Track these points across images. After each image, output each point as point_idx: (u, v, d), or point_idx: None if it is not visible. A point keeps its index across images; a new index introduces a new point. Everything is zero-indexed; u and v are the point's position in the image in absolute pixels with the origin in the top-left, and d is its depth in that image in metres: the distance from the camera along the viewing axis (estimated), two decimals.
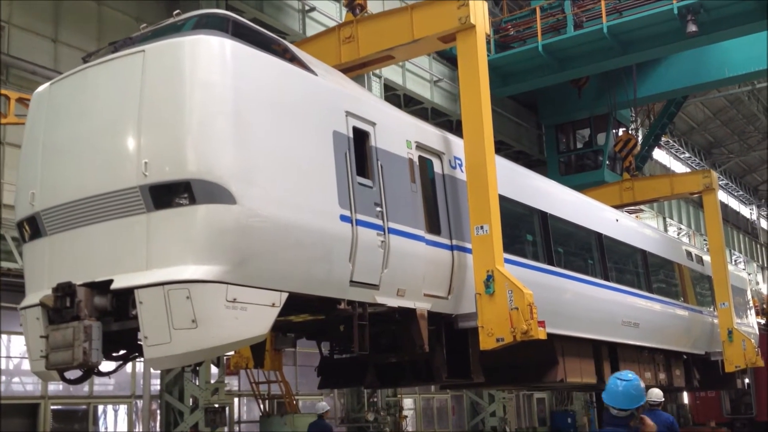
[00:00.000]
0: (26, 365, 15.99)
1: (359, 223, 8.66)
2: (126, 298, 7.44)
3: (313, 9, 20.27)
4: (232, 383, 19.47)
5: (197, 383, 16.33)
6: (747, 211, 57.65)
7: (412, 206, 9.70)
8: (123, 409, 17.43)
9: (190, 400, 16.32)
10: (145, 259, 7.32)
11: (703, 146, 47.41)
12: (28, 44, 14.89)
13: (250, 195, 7.44)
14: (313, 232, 8.09)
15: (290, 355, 20.71)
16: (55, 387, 16.36)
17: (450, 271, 10.21)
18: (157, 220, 7.35)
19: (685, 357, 18.70)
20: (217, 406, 16.45)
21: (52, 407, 15.79)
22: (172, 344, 7.15)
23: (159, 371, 16.78)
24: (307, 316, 9.50)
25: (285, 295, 7.81)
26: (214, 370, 16.80)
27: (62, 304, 7.53)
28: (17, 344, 15.95)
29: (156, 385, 16.94)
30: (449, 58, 24.16)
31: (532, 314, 9.65)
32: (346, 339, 9.70)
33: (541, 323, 9.77)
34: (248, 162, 7.55)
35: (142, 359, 7.86)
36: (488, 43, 22.30)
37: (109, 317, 7.63)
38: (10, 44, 14.72)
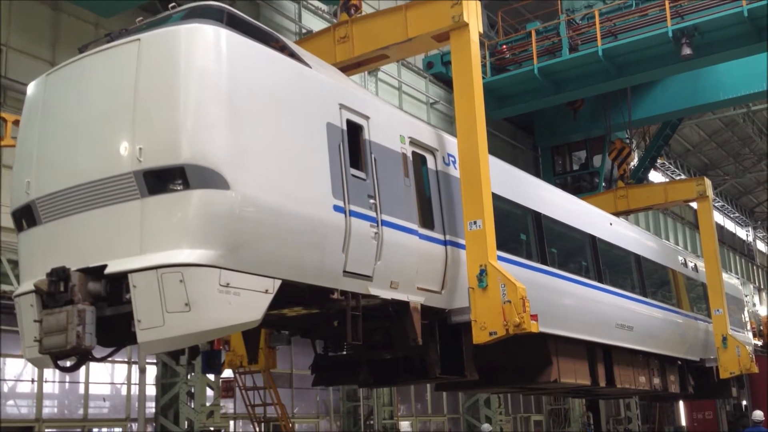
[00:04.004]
0: (22, 388, 15.95)
1: (352, 213, 8.73)
2: (120, 284, 7.48)
3: (310, 32, 20.40)
4: (228, 406, 19.37)
5: (192, 406, 16.26)
6: (743, 233, 57.71)
7: (405, 200, 9.79)
8: None
9: (186, 423, 16.24)
10: (139, 244, 7.38)
11: (698, 168, 47.53)
12: (26, 67, 14.92)
13: (244, 181, 7.52)
14: (306, 220, 8.16)
15: (286, 377, 20.66)
16: (50, 410, 16.28)
17: (443, 265, 10.28)
18: (151, 206, 7.42)
19: (679, 363, 18.73)
20: (212, 429, 16.37)
21: (46, 430, 15.68)
22: (165, 327, 7.18)
23: (154, 393, 16.73)
24: (300, 309, 9.53)
25: (278, 282, 7.85)
26: (209, 392, 16.74)
27: (56, 289, 7.54)
28: (12, 367, 15.87)
29: (151, 407, 16.86)
30: (445, 81, 24.30)
31: (525, 307, 9.72)
32: (340, 335, 9.70)
33: (534, 316, 9.85)
34: (242, 149, 7.64)
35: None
36: (484, 65, 22.51)
37: (102, 302, 7.65)
38: (7, 67, 14.76)
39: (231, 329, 7.93)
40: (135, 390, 16.91)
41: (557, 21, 24.14)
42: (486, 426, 15.64)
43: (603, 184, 27.86)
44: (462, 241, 10.42)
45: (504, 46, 24.84)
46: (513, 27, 27.13)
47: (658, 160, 34.96)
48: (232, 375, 18.34)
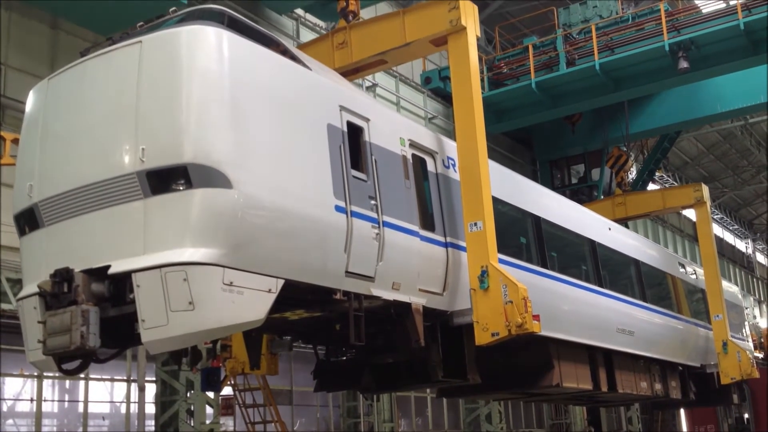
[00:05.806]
0: (21, 407, 15.89)
1: (354, 214, 8.78)
2: (123, 285, 7.50)
3: None
4: (228, 424, 19.29)
5: (192, 424, 16.19)
6: (743, 245, 57.71)
7: (406, 202, 9.86)
8: None
9: None
10: (143, 244, 7.40)
11: (697, 181, 47.47)
12: (25, 85, 14.91)
13: (246, 180, 7.57)
14: (308, 219, 8.21)
15: (286, 394, 20.58)
16: (49, 429, 16.21)
17: (445, 267, 10.33)
18: (154, 206, 7.46)
19: (680, 369, 18.72)
20: None
21: None
22: (169, 326, 7.19)
23: (154, 411, 16.67)
24: (302, 312, 9.53)
25: (281, 282, 7.87)
26: (209, 410, 16.68)
27: (60, 290, 7.56)
28: (11, 386, 15.82)
29: (150, 426, 16.79)
30: (443, 96, 24.37)
31: (527, 307, 9.74)
32: (342, 339, 9.69)
33: (536, 317, 9.86)
34: (244, 148, 7.69)
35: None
36: (482, 80, 22.54)
37: (106, 303, 7.64)
38: (6, 86, 14.80)
39: (234, 328, 7.94)
40: (134, 408, 16.85)
41: (554, 36, 24.25)
42: None
43: (601, 197, 27.90)
44: (463, 244, 10.46)
45: (501, 61, 24.94)
46: (510, 42, 27.23)
47: (657, 173, 35.01)
48: (231, 393, 18.29)
